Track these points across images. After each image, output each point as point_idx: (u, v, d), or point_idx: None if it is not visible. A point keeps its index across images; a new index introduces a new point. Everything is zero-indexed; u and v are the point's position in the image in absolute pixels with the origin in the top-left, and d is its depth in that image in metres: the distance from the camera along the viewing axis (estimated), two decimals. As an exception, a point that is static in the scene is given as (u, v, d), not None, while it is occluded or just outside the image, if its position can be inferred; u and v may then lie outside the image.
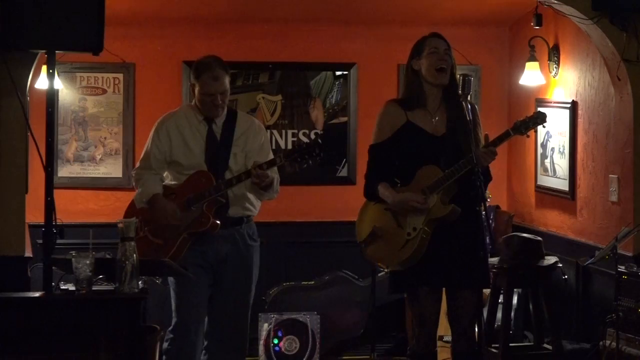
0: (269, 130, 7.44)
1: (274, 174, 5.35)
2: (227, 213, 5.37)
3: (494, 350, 6.27)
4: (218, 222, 5.31)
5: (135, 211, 5.37)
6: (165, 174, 5.48)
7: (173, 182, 5.43)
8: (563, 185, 6.85)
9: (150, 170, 5.44)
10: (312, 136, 7.53)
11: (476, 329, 5.14)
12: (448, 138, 5.00)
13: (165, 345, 5.48)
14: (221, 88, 5.34)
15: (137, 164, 5.56)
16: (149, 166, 5.44)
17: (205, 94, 5.33)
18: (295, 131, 7.52)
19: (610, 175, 6.27)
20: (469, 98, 5.01)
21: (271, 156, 5.48)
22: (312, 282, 7.26)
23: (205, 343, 5.47)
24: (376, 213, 5.09)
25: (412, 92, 5.08)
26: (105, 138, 7.34)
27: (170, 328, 5.45)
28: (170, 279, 5.45)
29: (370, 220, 5.11)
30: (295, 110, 7.53)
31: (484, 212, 4.97)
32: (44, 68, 6.33)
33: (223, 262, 5.40)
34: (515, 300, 6.71)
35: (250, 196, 5.43)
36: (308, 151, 5.29)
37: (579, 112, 6.68)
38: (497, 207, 7.50)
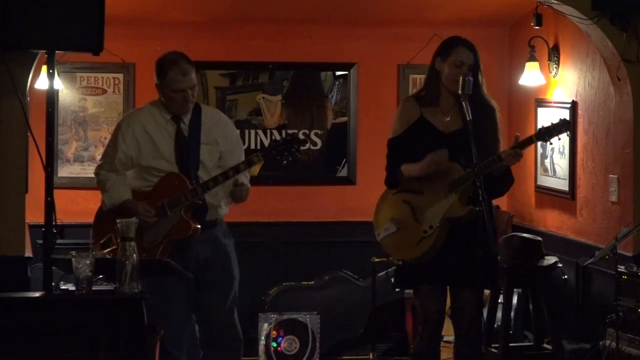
0: (269, 130, 7.44)
1: (244, 179, 5.30)
2: (204, 215, 5.29)
3: (494, 350, 6.27)
4: (199, 225, 5.22)
5: (103, 218, 5.27)
6: (131, 173, 5.35)
7: (142, 185, 5.31)
8: (563, 185, 6.85)
9: (114, 172, 5.32)
10: (312, 136, 7.53)
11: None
12: (458, 136, 5.00)
13: None
14: (191, 83, 5.22)
15: (101, 164, 5.39)
16: (114, 169, 5.32)
17: (175, 90, 5.20)
18: (296, 131, 7.51)
19: (610, 175, 6.27)
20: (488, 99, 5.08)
21: (243, 153, 5.41)
22: (312, 282, 7.25)
23: (202, 353, 5.44)
24: (394, 204, 5.09)
25: (429, 90, 5.11)
26: (105, 138, 7.31)
27: None
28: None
29: (388, 211, 5.10)
30: (295, 110, 7.53)
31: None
32: (44, 68, 6.33)
33: (203, 266, 5.31)
34: (515, 300, 6.71)
35: (224, 198, 5.35)
36: (286, 146, 5.23)
37: (579, 112, 6.68)
38: (497, 207, 7.50)
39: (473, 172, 4.89)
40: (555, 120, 4.99)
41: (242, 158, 5.37)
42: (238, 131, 5.77)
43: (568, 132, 5.01)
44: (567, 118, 5.11)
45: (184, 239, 5.24)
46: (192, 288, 5.33)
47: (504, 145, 5.16)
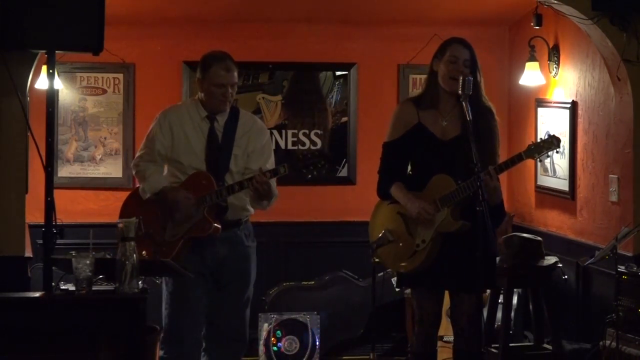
0: (269, 130, 7.42)
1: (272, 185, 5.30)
2: (226, 216, 5.35)
3: (494, 350, 6.27)
4: (219, 226, 5.28)
5: (132, 210, 5.33)
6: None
7: (172, 180, 5.38)
8: (563, 185, 6.84)
9: (153, 163, 5.39)
10: (312, 136, 7.53)
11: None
12: (455, 144, 4.98)
13: (160, 353, 5.48)
14: (232, 80, 5.32)
15: (140, 155, 5.46)
16: (152, 159, 5.39)
17: (217, 85, 5.28)
18: (296, 131, 7.52)
19: (610, 175, 6.27)
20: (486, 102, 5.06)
21: (272, 160, 5.46)
22: (312, 282, 7.26)
23: (204, 345, 5.47)
24: (389, 215, 5.10)
25: (427, 92, 5.09)
26: (105, 138, 7.34)
27: (163, 335, 5.44)
28: (165, 286, 5.41)
29: (382, 222, 5.11)
30: (295, 110, 7.53)
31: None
32: (44, 68, 6.33)
33: (222, 264, 5.38)
34: (515, 300, 6.71)
35: (247, 198, 5.40)
36: (313, 162, 5.26)
37: (579, 112, 6.68)
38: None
39: (464, 187, 4.86)
40: (549, 134, 4.95)
41: (268, 163, 5.40)
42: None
43: (558, 150, 4.97)
44: (558, 134, 5.01)
45: (203, 237, 5.27)
46: (211, 286, 5.40)
47: (502, 149, 5.15)
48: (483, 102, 5.06)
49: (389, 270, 6.84)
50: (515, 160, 4.94)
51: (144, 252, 4.86)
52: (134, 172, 5.54)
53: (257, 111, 7.45)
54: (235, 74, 5.34)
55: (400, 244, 5.04)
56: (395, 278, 5.88)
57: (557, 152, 4.95)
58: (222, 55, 5.36)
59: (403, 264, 5.06)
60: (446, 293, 5.19)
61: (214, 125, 5.36)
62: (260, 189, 5.20)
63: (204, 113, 5.36)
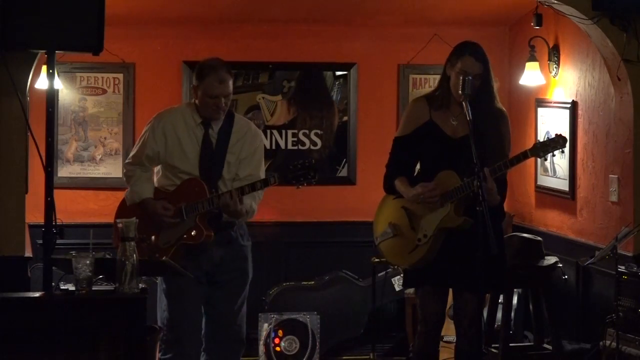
0: (268, 131, 7.44)
1: (250, 200, 5.27)
2: (220, 219, 5.34)
3: (494, 350, 6.27)
4: (212, 233, 5.27)
5: (127, 214, 5.31)
6: (157, 169, 5.43)
7: (166, 183, 5.37)
8: (563, 185, 6.85)
9: (141, 167, 5.40)
10: (312, 136, 7.52)
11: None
12: (465, 142, 4.95)
13: (159, 355, 5.48)
14: (226, 91, 5.28)
15: (129, 158, 5.48)
16: (140, 163, 5.39)
17: (210, 96, 5.25)
18: (296, 131, 7.52)
19: (610, 175, 6.27)
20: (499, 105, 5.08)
21: (262, 166, 5.46)
22: (312, 282, 7.25)
23: (204, 344, 5.47)
24: (393, 210, 5.11)
25: (440, 94, 5.11)
26: (105, 138, 7.34)
27: (162, 337, 5.44)
28: (162, 290, 5.41)
29: (387, 216, 5.13)
30: (295, 110, 7.52)
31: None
32: (44, 68, 6.33)
33: (217, 266, 5.38)
34: (515, 300, 6.72)
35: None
36: (303, 174, 5.23)
37: (579, 112, 6.68)
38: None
39: (467, 184, 4.87)
40: (552, 134, 4.96)
41: (259, 171, 5.40)
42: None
43: (563, 150, 4.97)
44: (564, 133, 5.03)
45: (195, 245, 5.28)
46: (209, 287, 5.40)
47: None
48: (495, 105, 5.08)
49: (390, 270, 6.87)
50: (521, 157, 4.97)
51: None
52: (123, 173, 5.52)
53: (257, 111, 7.44)
54: (230, 83, 5.30)
55: (403, 239, 5.05)
56: (395, 278, 5.91)
57: (562, 151, 4.96)
58: (217, 64, 5.30)
59: (403, 258, 5.06)
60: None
61: (208, 132, 5.34)
62: (226, 209, 5.20)
63: (199, 119, 5.35)
